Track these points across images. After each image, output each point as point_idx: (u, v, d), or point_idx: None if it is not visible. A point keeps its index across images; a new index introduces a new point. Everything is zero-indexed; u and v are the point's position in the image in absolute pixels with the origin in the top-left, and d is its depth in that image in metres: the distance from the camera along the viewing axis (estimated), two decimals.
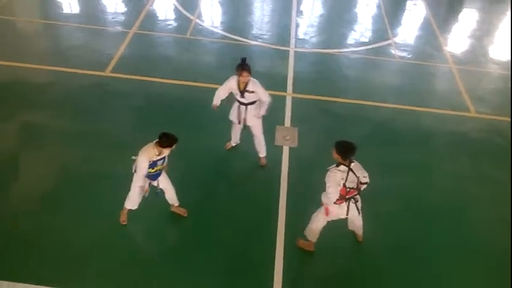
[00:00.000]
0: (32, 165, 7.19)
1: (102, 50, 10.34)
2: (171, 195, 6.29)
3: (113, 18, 11.82)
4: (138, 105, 8.74)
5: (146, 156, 5.59)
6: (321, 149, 8.01)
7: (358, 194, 5.64)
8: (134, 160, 5.72)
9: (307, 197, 6.81)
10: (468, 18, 13.97)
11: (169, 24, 11.81)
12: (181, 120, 8.37)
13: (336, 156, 5.44)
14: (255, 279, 5.86)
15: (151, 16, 12.08)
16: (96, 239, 6.14)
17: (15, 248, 5.93)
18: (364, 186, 5.61)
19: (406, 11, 14.13)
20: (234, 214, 6.71)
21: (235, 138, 7.68)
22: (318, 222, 5.90)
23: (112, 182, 6.87)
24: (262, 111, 7.02)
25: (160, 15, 12.26)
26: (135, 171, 5.79)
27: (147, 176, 5.78)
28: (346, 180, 5.38)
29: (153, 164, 5.68)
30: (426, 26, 13.04)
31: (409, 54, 11.49)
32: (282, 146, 7.94)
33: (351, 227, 6.18)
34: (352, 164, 5.45)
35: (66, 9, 12.12)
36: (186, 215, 6.53)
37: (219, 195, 6.98)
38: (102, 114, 8.43)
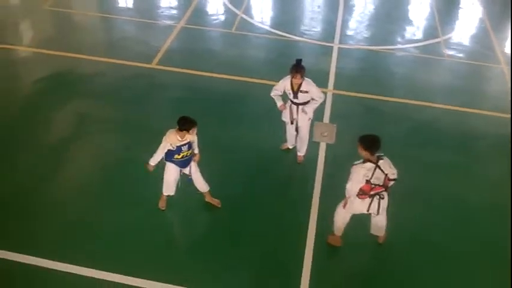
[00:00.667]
0: (78, 152, 7.57)
1: (150, 43, 10.67)
2: (200, 184, 6.45)
3: (162, 12, 12.14)
4: (181, 97, 8.97)
5: (167, 140, 5.80)
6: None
7: (386, 190, 5.51)
8: None
9: (340, 195, 6.75)
10: None
11: (216, 19, 12.01)
12: (223, 114, 8.53)
13: (363, 152, 5.30)
14: (283, 274, 5.91)
15: (199, 10, 12.31)
16: (132, 222, 6.39)
17: (58, 229, 6.27)
18: (392, 182, 5.47)
19: (459, 8, 13.66)
20: (267, 208, 6.77)
21: (291, 140, 7.61)
22: (339, 215, 5.87)
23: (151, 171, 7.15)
24: (311, 109, 6.99)
25: (208, 10, 12.49)
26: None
27: (176, 163, 5.98)
28: (371, 177, 5.29)
29: (178, 150, 5.85)
30: (479, 25, 12.56)
31: (459, 53, 11.12)
32: (319, 142, 7.92)
33: (373, 229, 6.06)
34: (381, 161, 5.32)
35: (118, 3, 12.57)
36: (220, 206, 6.67)
37: (253, 190, 7.06)
38: (146, 105, 8.72)
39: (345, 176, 7.12)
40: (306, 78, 6.71)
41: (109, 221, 6.40)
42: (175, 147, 5.83)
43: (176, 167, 6.10)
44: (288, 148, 7.76)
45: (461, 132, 8.59)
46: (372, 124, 8.53)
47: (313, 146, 7.82)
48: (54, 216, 6.42)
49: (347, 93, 9.35)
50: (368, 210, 5.63)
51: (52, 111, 8.37)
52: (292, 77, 6.63)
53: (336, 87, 9.47)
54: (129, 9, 12.35)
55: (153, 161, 6.09)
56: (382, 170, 5.31)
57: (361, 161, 5.38)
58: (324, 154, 7.76)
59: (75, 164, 7.33)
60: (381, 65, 10.61)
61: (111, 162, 7.40)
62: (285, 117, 7.23)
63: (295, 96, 6.84)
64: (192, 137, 5.88)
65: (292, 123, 7.21)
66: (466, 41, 11.81)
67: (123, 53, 10.21)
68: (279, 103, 7.08)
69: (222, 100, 8.95)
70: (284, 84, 6.87)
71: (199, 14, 12.15)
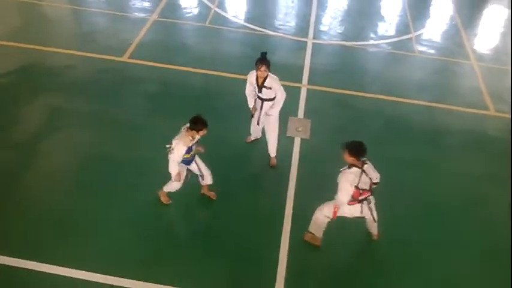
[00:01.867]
0: (50, 148, 7.37)
1: (122, 36, 10.46)
2: (209, 176, 6.45)
3: (133, 4, 11.91)
4: (154, 91, 8.84)
5: (184, 144, 5.68)
6: (332, 141, 7.96)
7: (371, 194, 5.58)
8: (170, 149, 5.77)
9: (315, 189, 6.81)
10: (492, 15, 13.64)
11: (189, 12, 11.86)
12: (196, 108, 8.35)
13: (349, 158, 5.33)
14: (258, 267, 5.92)
15: (172, 3, 12.13)
16: (107, 219, 6.29)
17: (31, 228, 6.11)
18: (375, 186, 5.56)
19: (430, 5, 13.86)
20: (243, 203, 6.76)
21: (255, 132, 7.63)
22: (322, 218, 5.87)
23: (124, 164, 7.09)
24: (275, 111, 6.93)
25: (181, 3, 12.32)
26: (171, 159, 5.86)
27: (184, 161, 5.91)
28: (358, 182, 5.32)
29: (188, 150, 5.79)
30: (450, 22, 12.77)
31: (430, 50, 11.29)
32: (293, 137, 7.93)
33: (369, 226, 6.13)
34: (365, 166, 5.38)
35: None
36: (215, 198, 6.69)
37: (229, 185, 7.01)
38: (118, 99, 8.56)
39: (319, 170, 7.25)
40: (271, 75, 6.69)
41: (83, 218, 6.27)
42: (186, 148, 5.73)
43: (184, 166, 6.05)
44: (251, 140, 7.75)
45: (432, 127, 8.72)
46: (345, 119, 8.62)
47: (288, 140, 7.84)
48: (27, 215, 6.24)
49: (321, 88, 9.38)
50: (361, 214, 5.67)
51: (20, 107, 8.12)
52: (257, 70, 6.61)
53: (310, 82, 9.49)
54: (99, 1, 12.06)
55: (174, 172, 5.92)
56: (367, 174, 5.35)
57: (347, 166, 5.41)
58: (298, 149, 7.76)
59: (47, 160, 7.14)
60: (354, 61, 10.69)
61: (84, 157, 7.25)
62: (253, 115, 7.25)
63: (260, 91, 6.83)
64: (200, 135, 5.76)
65: (252, 116, 7.20)
66: (437, 38, 12.00)
67: (94, 46, 9.97)
68: (250, 104, 7.08)
69: (195, 94, 8.86)
70: (250, 79, 6.86)
71: (173, 7, 11.98)
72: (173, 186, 6.22)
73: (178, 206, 6.60)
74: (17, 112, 7.98)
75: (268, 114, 6.99)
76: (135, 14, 11.49)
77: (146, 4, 11.93)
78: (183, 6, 12.18)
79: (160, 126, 7.89)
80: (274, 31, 11.35)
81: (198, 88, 9.04)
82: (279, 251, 6.10)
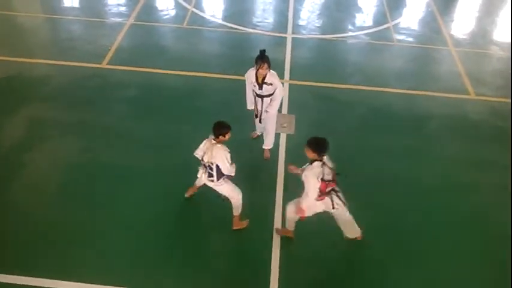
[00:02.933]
0: (34, 158, 7.27)
1: (100, 42, 10.36)
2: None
3: (109, 9, 11.81)
4: (135, 96, 8.78)
5: (228, 153, 5.69)
6: (318, 135, 7.99)
7: (336, 184, 5.54)
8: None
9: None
10: (467, 0, 13.82)
11: (167, 14, 11.79)
12: (180, 110, 8.41)
13: (311, 155, 5.32)
14: (252, 265, 5.93)
15: (148, 6, 12.06)
16: (94, 225, 6.24)
17: (20, 239, 6.03)
18: (338, 175, 5.48)
19: None
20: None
21: (259, 127, 7.69)
22: (292, 215, 5.89)
23: (110, 171, 7.05)
24: (274, 108, 6.99)
25: (157, 5, 12.25)
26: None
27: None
28: (323, 175, 5.32)
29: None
30: (426, 9, 12.91)
31: (408, 38, 11.40)
32: (279, 134, 7.95)
33: (342, 226, 6.00)
34: (324, 157, 5.36)
35: (63, 3, 12.12)
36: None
37: None
38: (100, 105, 8.48)
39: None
40: (271, 71, 6.74)
41: (70, 229, 6.20)
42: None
43: None
44: (258, 135, 7.80)
45: (415, 114, 8.79)
46: (329, 112, 8.66)
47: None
48: (12, 227, 6.16)
49: (303, 82, 9.41)
50: (333, 207, 5.59)
51: (2, 119, 7.99)
52: (258, 68, 6.61)
53: (292, 77, 9.51)
54: (74, 8, 11.93)
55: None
56: (328, 166, 5.36)
57: (308, 163, 5.40)
58: (284, 145, 7.78)
59: (32, 171, 7.05)
60: (334, 53, 10.74)
61: (70, 165, 7.18)
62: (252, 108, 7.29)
63: (260, 88, 6.85)
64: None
65: (256, 116, 7.25)
66: (414, 26, 12.11)
67: (72, 54, 9.87)
68: (249, 106, 7.17)
69: (178, 96, 8.82)
70: (250, 78, 6.87)
71: (149, 10, 11.90)
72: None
73: (171, 208, 6.57)
74: None
75: (268, 111, 7.05)
76: (112, 19, 11.39)
77: (122, 9, 11.83)
78: (159, 8, 12.10)
79: (145, 130, 7.88)
80: (253, 28, 11.34)
81: (180, 89, 9.00)
82: (272, 247, 6.11)
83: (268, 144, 7.51)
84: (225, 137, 5.66)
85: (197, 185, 6.48)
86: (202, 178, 6.03)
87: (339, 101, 9.00)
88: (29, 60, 9.60)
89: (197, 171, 6.01)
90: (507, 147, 8.08)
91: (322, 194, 5.47)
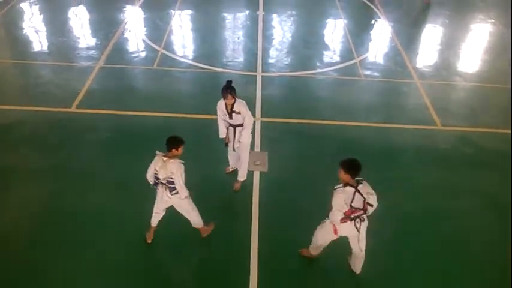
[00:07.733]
0: (2, 206, 7.07)
1: (69, 86, 10.28)
2: None
3: (78, 53, 11.80)
4: (106, 138, 8.69)
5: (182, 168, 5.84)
6: (291, 172, 8.06)
7: (365, 213, 5.49)
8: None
9: (279, 222, 6.82)
10: (429, 34, 14.40)
11: (136, 56, 11.84)
12: (150, 151, 8.27)
13: (344, 176, 5.31)
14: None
15: (118, 49, 12.11)
16: (68, 272, 6.00)
17: None
18: (371, 209, 5.47)
19: (369, 30, 14.45)
20: (207, 240, 6.65)
21: (232, 162, 7.74)
22: (322, 238, 5.88)
23: (81, 216, 6.91)
24: (245, 137, 7.06)
25: (127, 48, 12.30)
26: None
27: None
28: (352, 201, 5.30)
29: None
30: (390, 44, 13.34)
31: (374, 72, 11.70)
32: (252, 171, 7.92)
33: (354, 265, 6.14)
34: (360, 186, 5.34)
35: (32, 48, 12.07)
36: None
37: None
38: (69, 149, 8.35)
39: (281, 202, 7.24)
40: (239, 100, 6.86)
41: (41, 276, 5.97)
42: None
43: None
44: (231, 170, 7.80)
45: (386, 147, 8.93)
46: (301, 148, 8.72)
47: (247, 175, 7.79)
48: None
49: (275, 119, 9.49)
50: (357, 231, 5.57)
51: None
52: (223, 98, 6.77)
53: (263, 114, 9.59)
54: (44, 52, 11.89)
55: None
56: (361, 194, 5.34)
57: (341, 185, 5.37)
58: (258, 182, 7.74)
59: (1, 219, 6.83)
60: (304, 90, 10.91)
61: (40, 212, 6.99)
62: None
63: (230, 117, 6.96)
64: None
65: (226, 145, 7.33)
66: (380, 60, 12.48)
67: (41, 99, 9.76)
68: (222, 134, 7.22)
69: (149, 137, 8.67)
70: (221, 107, 6.98)
71: (119, 53, 11.94)
72: None
73: (143, 250, 6.41)
74: None
75: (240, 141, 7.14)
76: (81, 62, 11.36)
77: (91, 52, 11.84)
78: (129, 50, 12.15)
79: (116, 171, 7.77)
80: (223, 68, 11.47)
81: (151, 130, 8.91)
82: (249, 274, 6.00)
83: (241, 176, 7.54)
84: (178, 150, 5.77)
85: (152, 225, 6.40)
86: (163, 197, 5.98)
87: (310, 136, 9.09)
88: None
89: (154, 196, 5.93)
90: (477, 173, 8.31)
91: (346, 217, 5.42)
